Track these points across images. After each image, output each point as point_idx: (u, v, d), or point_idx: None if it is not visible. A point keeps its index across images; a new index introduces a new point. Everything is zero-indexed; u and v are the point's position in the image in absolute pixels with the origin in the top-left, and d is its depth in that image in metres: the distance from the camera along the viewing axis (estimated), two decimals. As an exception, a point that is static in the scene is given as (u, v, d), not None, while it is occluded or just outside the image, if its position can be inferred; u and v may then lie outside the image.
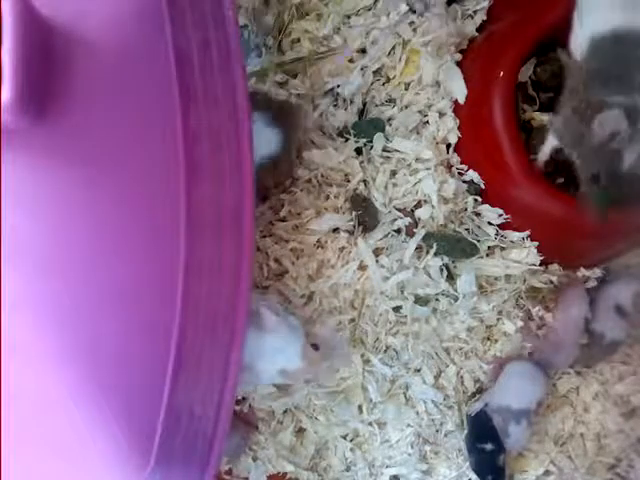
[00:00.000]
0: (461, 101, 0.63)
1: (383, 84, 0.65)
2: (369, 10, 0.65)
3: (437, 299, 0.64)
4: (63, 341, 0.39)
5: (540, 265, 0.66)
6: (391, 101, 0.66)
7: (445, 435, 0.67)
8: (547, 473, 0.67)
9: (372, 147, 0.64)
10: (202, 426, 0.44)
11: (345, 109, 0.65)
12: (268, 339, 0.52)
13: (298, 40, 0.65)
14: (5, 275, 0.38)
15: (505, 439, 0.62)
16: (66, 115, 0.39)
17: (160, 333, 0.40)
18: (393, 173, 0.64)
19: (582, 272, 0.67)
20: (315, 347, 0.55)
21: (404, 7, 0.64)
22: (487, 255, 0.65)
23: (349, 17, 0.65)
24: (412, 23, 0.64)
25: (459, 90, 0.63)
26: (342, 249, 0.63)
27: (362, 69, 0.65)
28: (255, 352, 0.52)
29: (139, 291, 0.41)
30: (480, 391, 0.66)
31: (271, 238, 0.63)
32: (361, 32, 0.64)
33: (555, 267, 0.67)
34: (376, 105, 0.65)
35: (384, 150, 0.64)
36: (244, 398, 0.64)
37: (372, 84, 0.65)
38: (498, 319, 0.66)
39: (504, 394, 0.63)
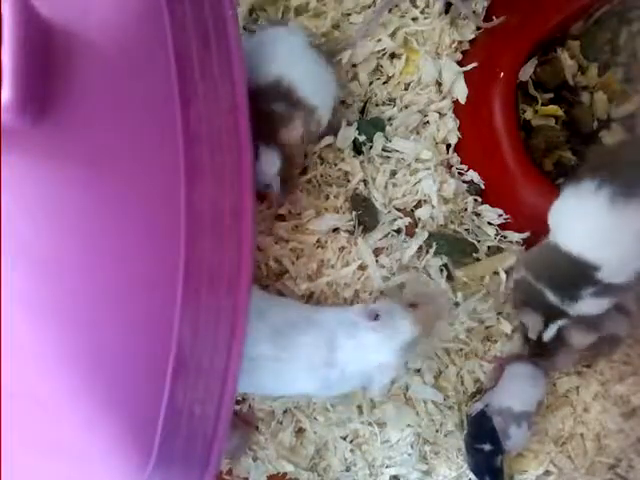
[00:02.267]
0: (462, 101, 0.63)
1: (383, 84, 0.65)
2: (369, 8, 0.65)
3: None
4: (63, 341, 0.39)
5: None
6: (391, 101, 0.66)
7: (445, 435, 0.67)
8: (547, 473, 0.67)
9: (372, 147, 0.64)
10: (202, 426, 0.44)
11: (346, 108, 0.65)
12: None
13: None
14: (5, 275, 0.38)
15: (505, 441, 0.62)
16: (66, 115, 0.39)
17: (160, 333, 0.40)
18: (393, 173, 0.64)
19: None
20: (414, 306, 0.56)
21: (405, 5, 0.64)
22: (487, 255, 0.65)
23: (349, 15, 0.65)
24: (414, 20, 0.64)
25: (460, 90, 0.63)
26: (342, 249, 0.63)
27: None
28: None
29: (139, 291, 0.41)
30: (480, 391, 0.66)
31: (271, 238, 0.63)
32: (361, 29, 0.64)
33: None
34: (376, 105, 0.65)
35: (384, 150, 0.64)
36: (244, 398, 0.64)
37: (372, 84, 0.65)
38: (497, 320, 0.66)
39: (505, 396, 0.63)
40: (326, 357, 0.53)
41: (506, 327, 0.66)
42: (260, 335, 0.53)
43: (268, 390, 0.59)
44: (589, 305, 0.54)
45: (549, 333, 0.56)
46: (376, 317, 0.53)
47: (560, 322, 0.55)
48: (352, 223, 0.63)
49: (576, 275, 0.53)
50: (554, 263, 0.55)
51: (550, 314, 0.56)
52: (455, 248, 0.64)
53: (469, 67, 0.63)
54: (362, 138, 0.64)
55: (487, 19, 0.64)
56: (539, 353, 0.59)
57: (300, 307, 0.58)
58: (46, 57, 0.38)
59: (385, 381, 0.54)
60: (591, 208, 0.51)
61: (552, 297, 0.55)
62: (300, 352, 0.53)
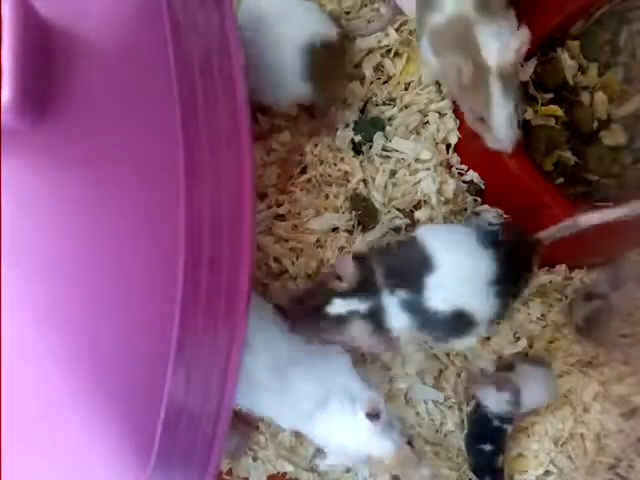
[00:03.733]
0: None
1: (383, 83, 0.65)
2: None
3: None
4: (63, 341, 0.39)
5: (543, 265, 0.67)
6: (391, 101, 0.66)
7: (445, 435, 0.67)
8: (547, 473, 0.67)
9: (372, 147, 0.64)
10: (202, 426, 0.44)
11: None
12: None
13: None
14: (5, 275, 0.38)
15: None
16: (66, 115, 0.39)
17: (160, 333, 0.40)
18: (393, 173, 0.64)
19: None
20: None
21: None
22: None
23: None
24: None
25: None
26: (342, 248, 0.63)
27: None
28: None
29: (139, 291, 0.40)
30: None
31: (271, 237, 0.63)
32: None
33: (561, 267, 0.67)
34: (376, 105, 0.65)
35: (384, 150, 0.64)
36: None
37: (372, 83, 0.65)
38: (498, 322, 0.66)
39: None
40: (311, 410, 0.53)
41: (505, 328, 0.66)
42: (263, 364, 0.53)
43: (266, 413, 0.59)
44: None
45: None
46: (376, 416, 0.52)
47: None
48: (352, 223, 0.63)
49: None
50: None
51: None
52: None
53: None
54: (361, 138, 0.64)
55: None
56: None
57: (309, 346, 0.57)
58: (46, 58, 0.38)
59: (337, 463, 0.55)
60: None
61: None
62: (293, 393, 0.54)
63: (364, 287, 0.51)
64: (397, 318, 0.51)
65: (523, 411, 0.63)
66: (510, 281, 0.51)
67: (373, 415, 0.52)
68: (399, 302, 0.50)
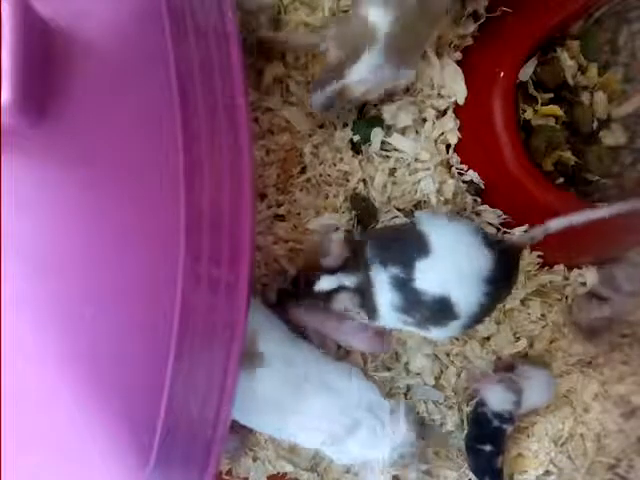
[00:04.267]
0: (460, 102, 0.63)
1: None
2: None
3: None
4: (63, 341, 0.39)
5: (543, 265, 0.67)
6: (390, 100, 0.65)
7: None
8: (547, 473, 0.67)
9: (371, 146, 0.64)
10: (202, 426, 0.44)
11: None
12: None
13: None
14: (5, 275, 0.38)
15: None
16: (66, 115, 0.39)
17: (160, 333, 0.40)
18: (392, 172, 0.64)
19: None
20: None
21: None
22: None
23: (347, 11, 0.65)
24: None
25: (459, 91, 0.63)
26: (342, 249, 0.63)
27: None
28: None
29: (139, 291, 0.41)
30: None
31: (271, 238, 0.63)
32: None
33: (561, 267, 0.67)
34: (375, 105, 0.65)
35: (383, 149, 0.64)
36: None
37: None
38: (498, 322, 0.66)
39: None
40: (339, 433, 0.55)
41: (505, 328, 0.66)
42: (281, 380, 0.54)
43: (268, 430, 0.60)
44: None
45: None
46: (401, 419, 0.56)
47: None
48: (352, 222, 0.63)
49: None
50: None
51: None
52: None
53: (469, 67, 0.63)
54: (360, 138, 0.64)
55: (487, 19, 0.64)
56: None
57: (326, 363, 0.58)
58: (46, 58, 0.38)
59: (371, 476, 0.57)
60: None
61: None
62: (316, 414, 0.55)
63: (352, 263, 0.52)
64: (384, 294, 0.51)
65: (522, 412, 0.63)
66: (501, 283, 0.52)
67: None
68: (389, 278, 0.51)
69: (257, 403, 0.54)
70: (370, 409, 0.56)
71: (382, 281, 0.51)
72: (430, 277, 0.50)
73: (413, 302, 0.51)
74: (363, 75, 0.53)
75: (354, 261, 0.52)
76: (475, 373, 0.65)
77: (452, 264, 0.50)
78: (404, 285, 0.51)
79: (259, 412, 0.55)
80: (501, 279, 0.51)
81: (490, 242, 0.51)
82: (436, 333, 0.53)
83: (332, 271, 0.52)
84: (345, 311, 0.53)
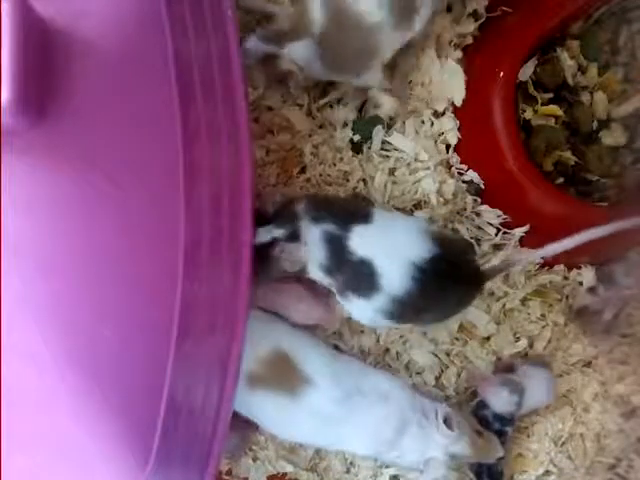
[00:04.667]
0: (458, 103, 0.63)
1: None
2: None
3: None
4: (63, 341, 0.39)
5: (543, 265, 0.67)
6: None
7: (445, 435, 0.67)
8: (547, 473, 0.67)
9: (371, 146, 0.64)
10: (202, 426, 0.44)
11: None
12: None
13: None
14: (5, 276, 0.39)
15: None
16: (66, 115, 0.39)
17: (160, 333, 0.40)
18: (392, 171, 0.64)
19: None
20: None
21: None
22: (486, 254, 0.65)
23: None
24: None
25: (457, 90, 0.63)
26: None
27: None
28: None
29: (139, 291, 0.41)
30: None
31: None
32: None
33: (560, 267, 0.67)
34: (374, 106, 0.65)
35: (383, 148, 0.64)
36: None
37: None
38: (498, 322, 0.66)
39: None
40: (392, 437, 0.55)
41: (505, 328, 0.66)
42: (331, 399, 0.54)
43: (320, 443, 0.61)
44: None
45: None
46: (445, 420, 0.56)
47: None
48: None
49: None
50: None
51: None
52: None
53: (469, 67, 0.63)
54: (360, 137, 0.64)
55: (487, 19, 0.64)
56: None
57: (366, 370, 0.59)
58: (45, 58, 0.38)
59: (432, 476, 0.56)
60: None
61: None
62: (368, 421, 0.55)
63: (284, 215, 0.52)
64: (314, 251, 0.51)
65: (522, 412, 0.63)
66: (439, 283, 0.51)
67: (444, 421, 0.56)
68: (322, 233, 0.50)
69: (305, 422, 0.55)
70: (415, 409, 0.56)
71: (314, 236, 0.51)
72: (363, 241, 0.50)
73: (339, 263, 0.50)
74: (294, 56, 0.54)
75: (287, 215, 0.52)
76: (475, 373, 0.65)
77: (388, 237, 0.50)
78: (335, 243, 0.50)
79: (309, 429, 0.56)
80: (440, 277, 0.50)
81: (441, 240, 0.51)
82: (357, 305, 0.52)
83: (265, 223, 0.51)
84: (283, 273, 0.52)
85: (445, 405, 0.58)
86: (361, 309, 0.53)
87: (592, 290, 0.66)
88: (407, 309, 0.51)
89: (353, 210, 0.53)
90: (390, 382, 0.58)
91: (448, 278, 0.51)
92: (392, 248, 0.50)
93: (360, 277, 0.50)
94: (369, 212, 0.52)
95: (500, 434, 0.62)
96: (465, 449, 0.56)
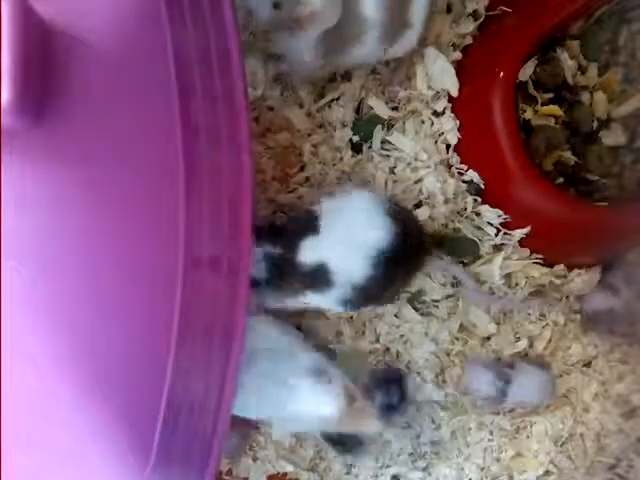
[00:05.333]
0: (453, 94, 0.63)
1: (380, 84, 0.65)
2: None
3: (435, 305, 0.65)
4: (63, 341, 0.40)
5: (544, 265, 0.67)
6: (389, 100, 0.65)
7: (445, 435, 0.67)
8: (547, 473, 0.67)
9: (371, 146, 0.64)
10: (202, 425, 0.44)
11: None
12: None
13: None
14: (5, 276, 0.39)
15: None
16: (66, 116, 0.39)
17: (160, 333, 0.40)
18: (392, 170, 0.64)
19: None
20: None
21: None
22: (486, 254, 0.65)
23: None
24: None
25: (451, 85, 0.63)
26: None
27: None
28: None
29: (139, 291, 0.41)
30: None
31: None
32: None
33: (560, 267, 0.67)
34: (372, 107, 0.65)
35: (383, 148, 0.64)
36: (244, 398, 0.64)
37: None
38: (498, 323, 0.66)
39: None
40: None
41: (505, 328, 0.66)
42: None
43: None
44: None
45: None
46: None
47: None
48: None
49: None
50: None
51: None
52: (456, 248, 0.64)
53: (469, 67, 0.63)
54: (360, 138, 0.64)
55: (487, 19, 0.64)
56: None
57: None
58: (45, 58, 0.38)
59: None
60: None
61: None
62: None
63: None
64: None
65: (508, 404, 0.63)
66: (397, 258, 0.50)
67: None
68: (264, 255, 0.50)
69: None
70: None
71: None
72: (312, 252, 0.50)
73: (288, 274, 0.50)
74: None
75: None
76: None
77: (337, 235, 0.50)
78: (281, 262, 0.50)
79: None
80: (398, 253, 0.50)
81: (389, 213, 0.51)
82: (316, 299, 0.52)
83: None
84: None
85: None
86: (317, 299, 0.53)
87: (606, 293, 0.66)
88: (372, 292, 0.51)
89: (299, 228, 0.52)
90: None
91: (403, 254, 0.51)
92: (345, 244, 0.50)
93: (314, 278, 0.50)
94: (315, 223, 0.51)
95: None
96: (330, 409, 0.53)
